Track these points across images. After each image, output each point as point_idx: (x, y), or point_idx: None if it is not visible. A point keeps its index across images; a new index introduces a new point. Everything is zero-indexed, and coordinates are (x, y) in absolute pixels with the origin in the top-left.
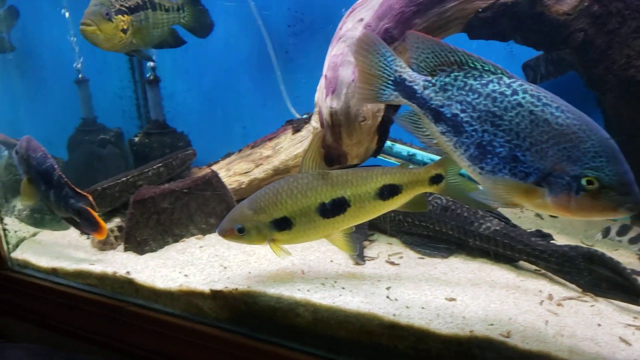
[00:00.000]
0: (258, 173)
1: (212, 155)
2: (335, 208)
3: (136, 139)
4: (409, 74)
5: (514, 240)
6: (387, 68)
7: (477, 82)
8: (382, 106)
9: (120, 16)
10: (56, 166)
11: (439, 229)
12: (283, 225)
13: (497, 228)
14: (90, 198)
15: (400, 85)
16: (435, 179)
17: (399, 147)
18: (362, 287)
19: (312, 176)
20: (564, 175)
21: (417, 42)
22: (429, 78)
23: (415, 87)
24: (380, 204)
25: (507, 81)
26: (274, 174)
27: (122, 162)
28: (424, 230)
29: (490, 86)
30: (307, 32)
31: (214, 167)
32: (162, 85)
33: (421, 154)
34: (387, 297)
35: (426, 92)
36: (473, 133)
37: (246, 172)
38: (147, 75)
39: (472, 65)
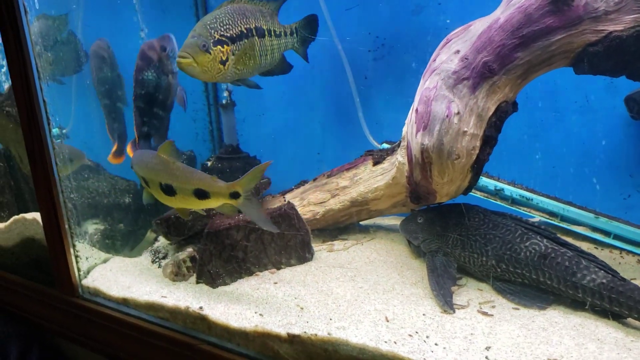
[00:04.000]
0: (334, 204)
1: (284, 182)
2: (168, 190)
3: (209, 163)
4: None
5: (623, 295)
6: None
7: None
8: (478, 143)
9: (219, 47)
10: None
11: (535, 277)
12: (146, 181)
13: (604, 281)
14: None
15: None
16: (234, 195)
17: (485, 181)
18: (455, 342)
19: (163, 162)
20: None
21: None
22: None
23: None
24: (198, 201)
25: None
26: (351, 206)
27: None
28: (518, 278)
29: None
30: (388, 57)
31: (288, 196)
32: (235, 109)
33: (509, 189)
34: (486, 357)
35: None
36: None
37: (321, 202)
38: (223, 100)
39: None
